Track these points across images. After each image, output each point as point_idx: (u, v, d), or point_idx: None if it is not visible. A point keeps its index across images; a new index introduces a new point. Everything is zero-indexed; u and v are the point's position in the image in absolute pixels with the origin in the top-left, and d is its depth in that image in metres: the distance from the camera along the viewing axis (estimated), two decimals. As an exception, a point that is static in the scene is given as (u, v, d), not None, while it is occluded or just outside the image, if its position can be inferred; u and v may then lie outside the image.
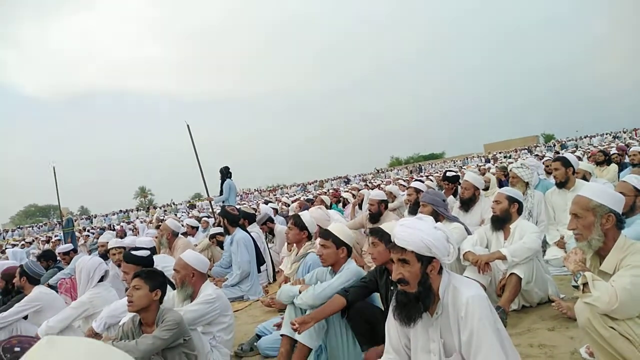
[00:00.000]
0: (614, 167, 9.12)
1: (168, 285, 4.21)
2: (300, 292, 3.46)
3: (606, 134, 43.24)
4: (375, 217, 6.22)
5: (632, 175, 4.44)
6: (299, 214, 5.01)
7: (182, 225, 9.77)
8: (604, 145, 25.63)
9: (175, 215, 28.56)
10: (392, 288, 2.40)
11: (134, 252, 4.42)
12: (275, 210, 11.37)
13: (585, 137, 43.53)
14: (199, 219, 13.25)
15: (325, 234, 3.64)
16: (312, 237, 4.86)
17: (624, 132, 42.12)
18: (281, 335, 3.53)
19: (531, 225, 4.20)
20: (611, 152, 10.18)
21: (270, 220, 8.04)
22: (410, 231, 2.31)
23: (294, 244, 5.06)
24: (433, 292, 2.33)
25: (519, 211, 4.25)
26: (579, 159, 11.73)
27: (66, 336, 0.92)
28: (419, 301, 2.31)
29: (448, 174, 7.32)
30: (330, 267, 3.65)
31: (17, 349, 1.16)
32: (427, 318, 2.39)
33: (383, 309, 3.39)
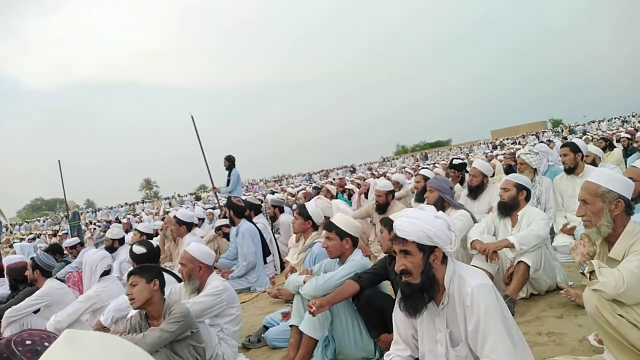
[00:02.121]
0: (617, 151, 9.07)
1: (173, 278, 4.24)
2: (305, 283, 3.45)
3: (615, 118, 42.81)
4: (383, 207, 6.19)
5: (641, 160, 4.38)
6: (304, 203, 5.00)
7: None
8: (612, 130, 25.40)
9: (181, 206, 28.61)
10: (397, 273, 2.39)
11: (136, 250, 4.44)
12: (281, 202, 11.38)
13: (593, 122, 43.11)
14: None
15: (328, 226, 3.66)
16: (317, 226, 4.85)
17: (633, 116, 41.66)
18: (290, 326, 3.54)
19: (539, 212, 4.15)
20: (621, 136, 10.10)
21: (281, 208, 8.07)
22: (411, 221, 2.29)
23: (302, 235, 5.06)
24: (437, 282, 2.31)
25: (527, 198, 4.20)
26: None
27: (85, 331, 0.91)
28: (423, 292, 2.30)
29: (455, 161, 7.26)
30: (338, 259, 3.64)
31: (28, 342, 1.16)
32: (433, 308, 2.38)
33: (394, 296, 3.39)
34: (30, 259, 5.06)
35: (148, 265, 3.49)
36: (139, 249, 4.47)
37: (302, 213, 4.79)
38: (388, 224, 3.35)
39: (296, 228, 4.96)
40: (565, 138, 23.88)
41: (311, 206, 4.89)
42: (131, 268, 5.94)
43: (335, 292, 3.27)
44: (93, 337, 0.87)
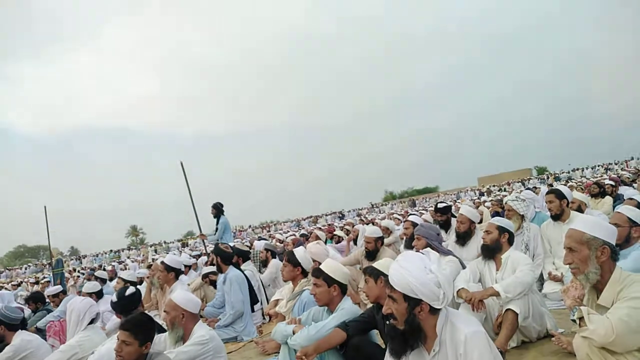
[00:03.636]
0: (609, 199, 9.16)
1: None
2: (294, 332, 3.38)
3: (598, 166, 43.68)
4: (372, 254, 6.17)
5: (626, 206, 4.45)
6: (293, 250, 4.95)
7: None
8: (596, 177, 25.82)
9: (167, 253, 28.20)
10: (387, 323, 2.37)
11: (113, 299, 4.39)
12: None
13: (577, 170, 43.91)
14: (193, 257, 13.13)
15: (316, 272, 3.61)
16: (306, 273, 4.79)
17: (616, 164, 42.59)
18: (276, 377, 3.44)
19: (524, 257, 4.16)
20: (605, 183, 10.25)
21: (273, 253, 8.00)
22: (400, 272, 2.31)
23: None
24: (422, 331, 2.31)
25: (510, 241, 4.23)
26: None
27: None
28: (405, 339, 2.29)
29: (439, 205, 7.31)
30: (326, 307, 3.59)
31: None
32: (424, 355, 2.35)
33: (383, 345, 3.33)
34: None
35: (144, 323, 3.28)
36: (113, 298, 4.50)
37: (291, 260, 4.72)
38: (373, 273, 3.32)
39: (285, 276, 4.87)
40: (551, 185, 24.23)
41: (300, 252, 4.83)
42: (113, 317, 5.82)
43: (322, 340, 3.23)
44: None
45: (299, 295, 4.51)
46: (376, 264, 3.41)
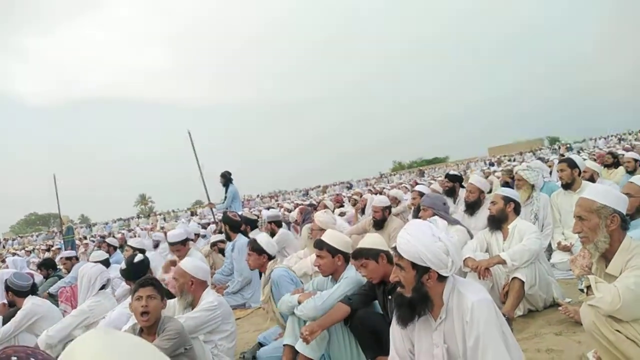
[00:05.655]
0: (621, 169, 9.01)
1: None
2: (299, 302, 3.40)
3: (611, 136, 43.01)
4: (379, 223, 6.16)
5: (638, 176, 4.38)
6: (255, 237, 4.59)
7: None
8: (610, 147, 25.44)
9: (175, 222, 28.45)
10: (389, 297, 2.37)
11: (121, 266, 4.45)
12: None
13: (590, 140, 43.24)
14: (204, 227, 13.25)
15: (319, 243, 3.58)
16: (272, 258, 4.47)
17: (630, 134, 41.89)
18: (284, 345, 3.48)
19: (530, 226, 4.15)
20: (619, 153, 10.05)
21: (278, 223, 7.99)
22: (408, 240, 2.29)
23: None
24: (430, 299, 2.30)
25: (516, 211, 4.21)
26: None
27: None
28: (412, 306, 2.29)
29: (451, 172, 7.31)
30: (330, 276, 3.59)
31: (13, 358, 1.13)
32: (431, 322, 2.35)
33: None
34: (4, 281, 4.95)
35: (157, 280, 3.42)
36: (122, 265, 4.59)
37: (255, 248, 4.37)
38: (371, 254, 3.17)
39: (252, 264, 4.53)
40: (563, 155, 23.93)
41: (263, 239, 4.50)
42: (123, 284, 5.91)
43: (326, 315, 3.23)
44: (125, 335, 0.95)
45: (270, 279, 4.24)
46: (363, 244, 3.27)
